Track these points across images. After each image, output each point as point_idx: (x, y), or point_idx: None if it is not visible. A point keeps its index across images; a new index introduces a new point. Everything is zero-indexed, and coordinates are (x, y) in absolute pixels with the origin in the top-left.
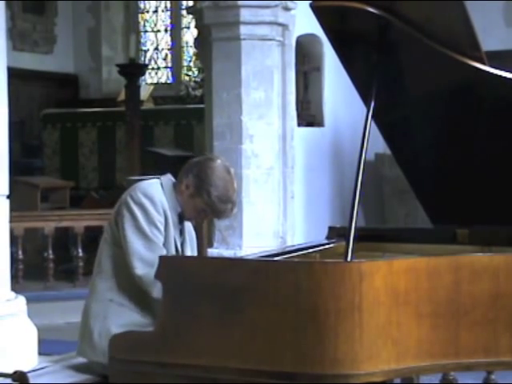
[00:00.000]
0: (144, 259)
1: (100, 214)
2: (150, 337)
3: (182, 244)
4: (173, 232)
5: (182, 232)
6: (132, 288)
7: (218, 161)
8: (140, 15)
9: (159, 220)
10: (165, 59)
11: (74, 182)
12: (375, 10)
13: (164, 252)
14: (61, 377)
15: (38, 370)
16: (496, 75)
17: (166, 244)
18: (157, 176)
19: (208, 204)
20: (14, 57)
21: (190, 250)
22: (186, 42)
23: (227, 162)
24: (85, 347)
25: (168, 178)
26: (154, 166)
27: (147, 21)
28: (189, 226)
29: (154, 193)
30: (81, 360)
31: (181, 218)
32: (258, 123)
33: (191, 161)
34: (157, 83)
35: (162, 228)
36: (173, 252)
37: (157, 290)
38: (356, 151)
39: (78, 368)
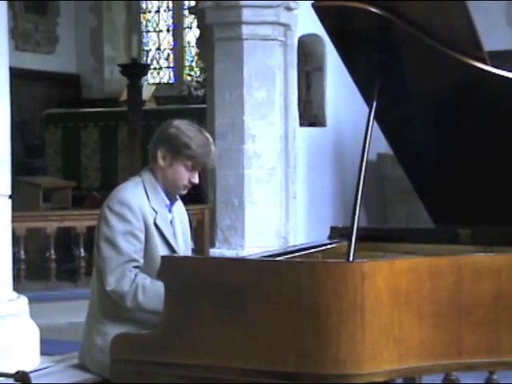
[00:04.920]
0: (116, 274)
1: None
2: (151, 337)
3: (174, 233)
4: (164, 230)
5: (172, 222)
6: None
7: (176, 121)
8: (142, 15)
9: (139, 228)
10: (167, 59)
11: (76, 182)
12: (377, 9)
13: (140, 262)
14: (63, 377)
15: (40, 370)
16: (498, 75)
17: (148, 248)
18: (138, 173)
19: (191, 156)
20: (16, 57)
21: (182, 235)
22: (188, 42)
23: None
24: (87, 358)
25: (149, 171)
26: None
27: (149, 21)
28: (179, 205)
29: (132, 199)
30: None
31: (169, 209)
32: (260, 123)
33: (152, 137)
34: (159, 83)
35: (141, 235)
36: (159, 253)
37: (130, 299)
38: (358, 151)
39: (79, 368)
